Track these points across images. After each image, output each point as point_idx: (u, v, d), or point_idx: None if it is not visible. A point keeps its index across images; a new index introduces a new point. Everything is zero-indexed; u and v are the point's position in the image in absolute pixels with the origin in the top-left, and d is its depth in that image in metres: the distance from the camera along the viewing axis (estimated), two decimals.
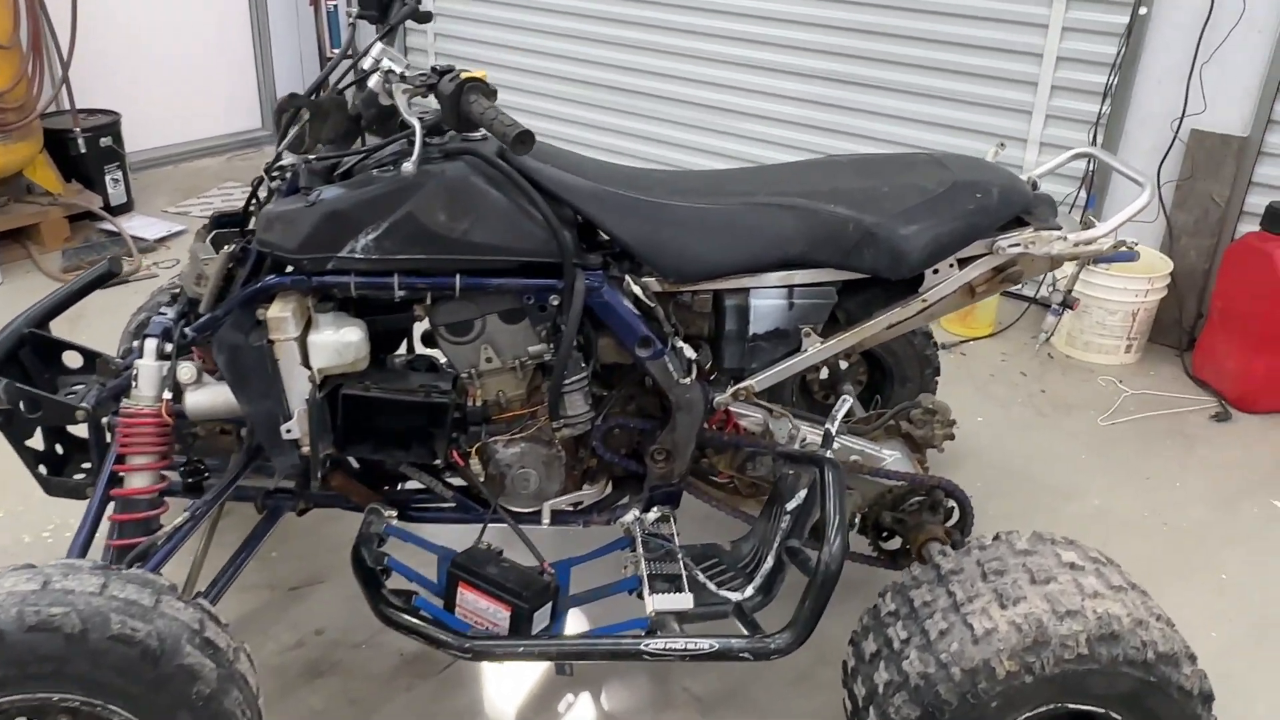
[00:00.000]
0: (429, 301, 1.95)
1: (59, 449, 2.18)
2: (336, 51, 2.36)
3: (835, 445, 2.11)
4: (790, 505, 2.05)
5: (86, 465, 2.19)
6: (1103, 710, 1.69)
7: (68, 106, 4.70)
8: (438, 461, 2.06)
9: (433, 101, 1.80)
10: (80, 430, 2.06)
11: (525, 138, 1.62)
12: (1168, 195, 3.86)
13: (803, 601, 1.87)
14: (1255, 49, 3.56)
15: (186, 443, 2.16)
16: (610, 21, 4.99)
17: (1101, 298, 3.76)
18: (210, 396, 1.97)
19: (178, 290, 2.07)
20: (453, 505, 2.20)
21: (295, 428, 1.93)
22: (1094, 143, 3.90)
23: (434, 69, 1.79)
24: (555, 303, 1.94)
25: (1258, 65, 3.57)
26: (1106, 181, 3.99)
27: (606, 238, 1.99)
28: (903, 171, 2.10)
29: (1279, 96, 3.57)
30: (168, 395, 1.92)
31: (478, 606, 1.96)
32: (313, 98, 1.92)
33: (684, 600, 1.97)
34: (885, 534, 2.36)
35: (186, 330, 1.91)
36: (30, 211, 4.49)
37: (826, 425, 2.05)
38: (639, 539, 2.11)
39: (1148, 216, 3.78)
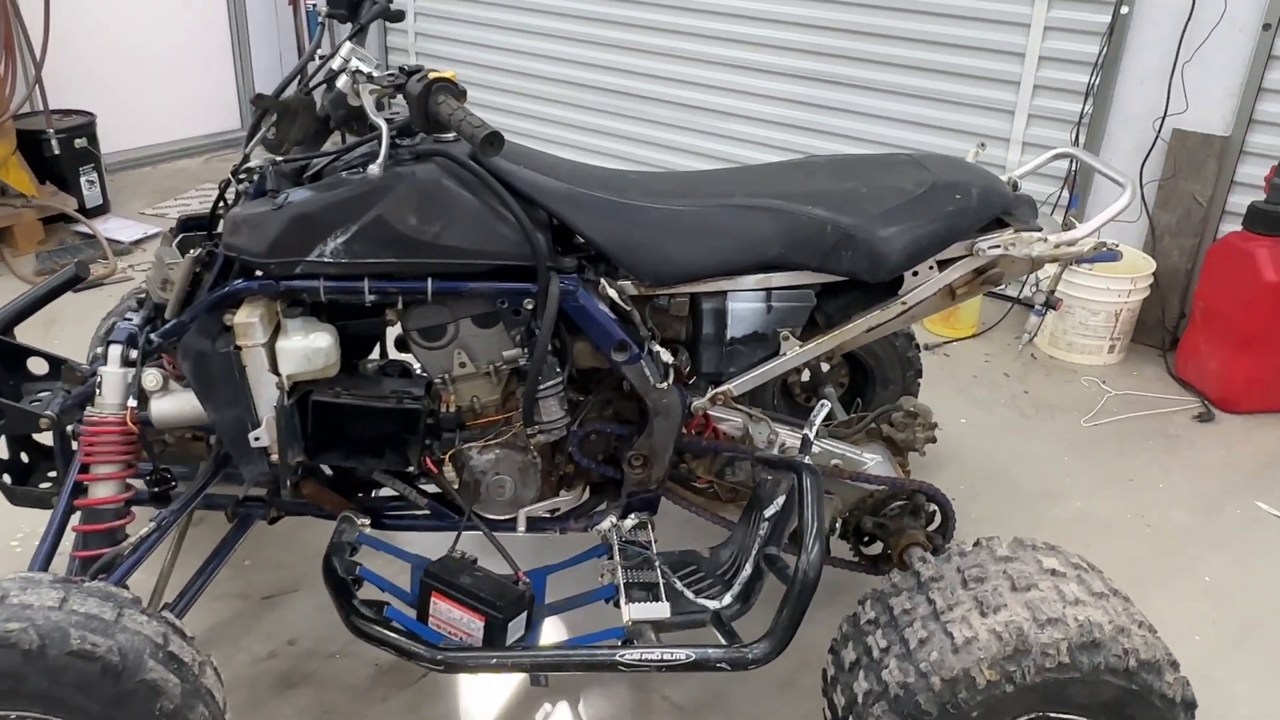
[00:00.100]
0: (401, 306, 1.92)
1: (24, 457, 2.15)
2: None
3: (815, 449, 2.08)
4: (769, 512, 2.03)
5: (53, 474, 2.15)
6: (1084, 719, 1.66)
7: (41, 107, 4.65)
8: (411, 469, 2.03)
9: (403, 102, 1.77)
10: (46, 438, 2.01)
11: (494, 139, 1.58)
12: (1150, 195, 3.85)
13: (780, 611, 1.84)
14: (1237, 48, 3.55)
15: (153, 451, 2.11)
16: (593, 21, 4.96)
17: (1084, 298, 3.74)
18: (177, 404, 1.93)
19: (143, 295, 2.03)
20: (427, 513, 2.17)
21: (264, 435, 1.90)
22: (1076, 142, 3.89)
23: (402, 69, 1.75)
24: (529, 307, 1.91)
25: (1239, 64, 3.57)
26: (1089, 181, 3.98)
27: (581, 240, 1.96)
28: (882, 172, 2.07)
29: (1260, 96, 3.56)
30: (133, 403, 1.88)
31: (451, 617, 1.92)
32: (279, 98, 1.88)
33: (661, 609, 1.94)
34: (866, 539, 2.34)
35: (152, 336, 1.87)
36: (3, 214, 4.42)
37: (805, 431, 2.02)
38: (616, 546, 2.08)
39: (1130, 216, 3.77)
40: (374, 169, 1.70)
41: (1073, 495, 3.07)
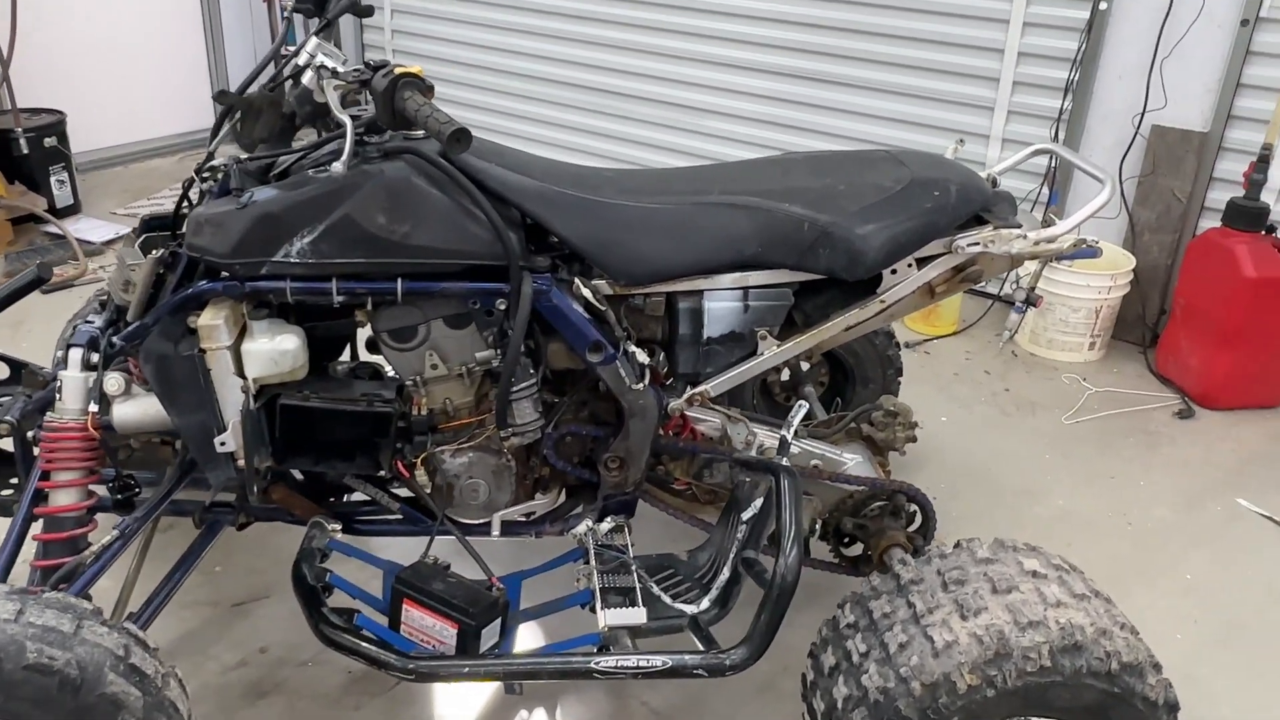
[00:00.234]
0: (370, 307, 1.88)
1: None
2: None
3: (794, 450, 2.05)
4: (746, 515, 2.00)
5: (14, 481, 2.09)
6: None
7: (9, 106, 4.57)
8: (383, 473, 1.98)
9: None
10: (6, 444, 1.96)
11: (461, 136, 1.55)
12: (1130, 191, 3.84)
13: (758, 616, 1.81)
14: (1215, 44, 3.55)
15: (116, 457, 2.06)
16: (573, 18, 4.92)
17: (1065, 295, 3.73)
18: (140, 408, 1.88)
19: (106, 297, 1.98)
20: (399, 518, 2.13)
21: (230, 440, 1.85)
22: (1056, 138, 3.88)
23: (367, 64, 1.71)
24: (502, 307, 1.87)
25: (1218, 60, 3.56)
26: (1069, 178, 3.97)
27: (555, 239, 1.92)
28: (859, 169, 2.05)
29: (1239, 91, 3.56)
30: (94, 408, 1.83)
31: (424, 624, 1.88)
32: (243, 95, 1.83)
33: (637, 615, 1.90)
34: (847, 540, 2.31)
35: (114, 339, 1.83)
36: None
37: (782, 432, 1.99)
38: (592, 550, 2.05)
39: (1110, 212, 3.77)
40: (337, 167, 1.66)
41: (1054, 493, 3.06)
